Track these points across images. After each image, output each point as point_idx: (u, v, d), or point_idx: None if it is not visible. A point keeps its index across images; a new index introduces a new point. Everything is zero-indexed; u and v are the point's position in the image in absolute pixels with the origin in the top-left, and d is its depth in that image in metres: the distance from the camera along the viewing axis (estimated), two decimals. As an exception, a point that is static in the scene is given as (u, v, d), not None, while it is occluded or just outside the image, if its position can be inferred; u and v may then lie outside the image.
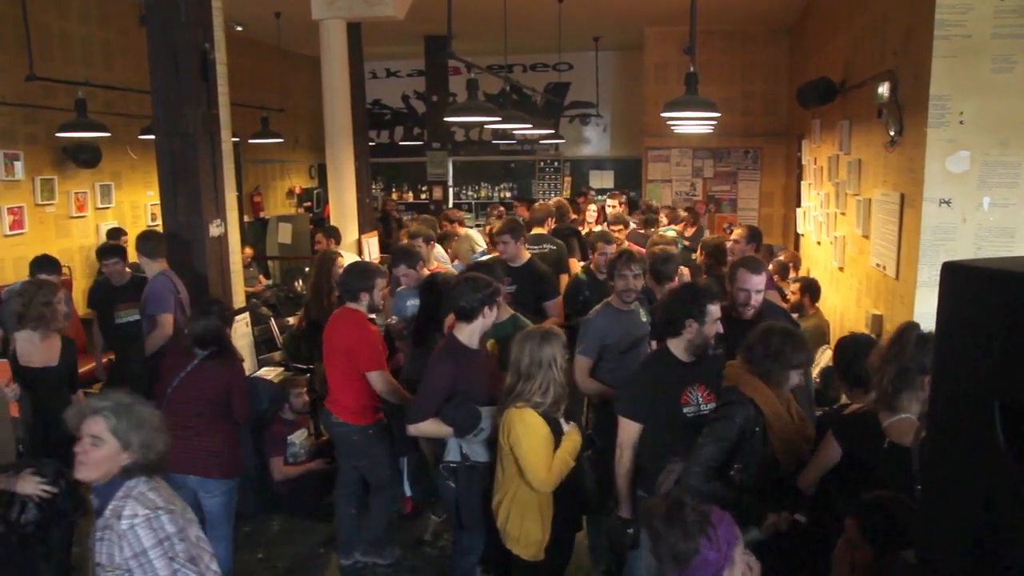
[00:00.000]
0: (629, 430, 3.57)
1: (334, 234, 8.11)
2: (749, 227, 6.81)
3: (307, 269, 11.42)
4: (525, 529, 3.63)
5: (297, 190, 14.60)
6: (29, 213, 8.17)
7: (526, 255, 5.95)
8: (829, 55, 7.89)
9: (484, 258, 6.55)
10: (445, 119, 6.19)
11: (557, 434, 3.60)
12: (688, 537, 2.56)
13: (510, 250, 5.85)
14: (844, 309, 6.81)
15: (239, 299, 6.23)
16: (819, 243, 8.25)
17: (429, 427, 3.87)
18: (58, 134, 7.31)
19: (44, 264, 5.87)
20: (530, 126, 9.27)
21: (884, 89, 5.21)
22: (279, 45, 11.80)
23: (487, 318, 3.93)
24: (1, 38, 7.67)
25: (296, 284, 9.68)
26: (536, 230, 7.19)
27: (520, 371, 3.55)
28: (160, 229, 6.15)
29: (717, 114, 6.00)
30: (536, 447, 3.49)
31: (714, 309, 3.54)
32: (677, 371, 3.56)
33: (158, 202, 10.23)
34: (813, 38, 9.24)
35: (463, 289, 3.90)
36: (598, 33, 12.58)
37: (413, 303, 5.38)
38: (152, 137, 8.30)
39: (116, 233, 8.76)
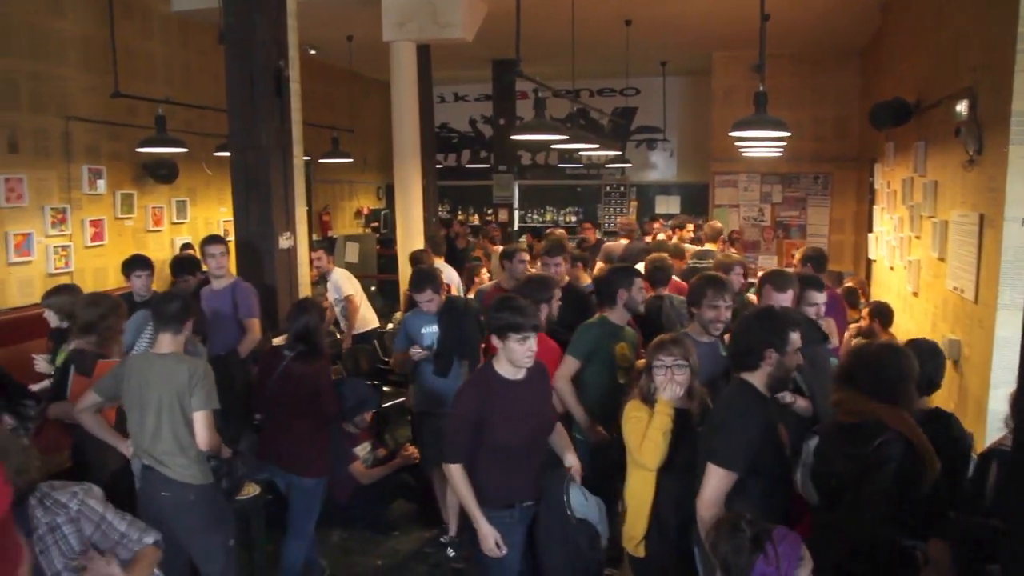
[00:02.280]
0: (724, 483, 3.02)
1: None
2: (810, 248, 6.67)
3: (372, 288, 11.60)
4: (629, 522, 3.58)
5: (365, 210, 14.84)
6: (109, 226, 8.46)
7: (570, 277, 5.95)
8: (903, 75, 7.73)
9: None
10: (512, 137, 6.25)
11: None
12: (740, 552, 2.52)
13: (560, 271, 5.76)
14: (919, 334, 6.58)
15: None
16: (892, 268, 8.04)
17: (458, 481, 3.42)
18: (138, 149, 7.57)
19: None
20: (597, 146, 9.28)
21: (962, 107, 5.06)
22: (350, 68, 12.07)
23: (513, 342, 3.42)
24: (89, 59, 8.01)
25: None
26: (708, 245, 8.04)
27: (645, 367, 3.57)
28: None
29: (787, 133, 5.91)
30: (635, 425, 3.47)
31: (796, 337, 3.20)
32: (765, 410, 3.17)
33: (230, 218, 10.59)
34: (887, 59, 9.07)
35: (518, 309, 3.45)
36: (665, 58, 12.56)
37: (430, 330, 5.10)
38: (226, 155, 8.63)
39: (188, 248, 9.00)
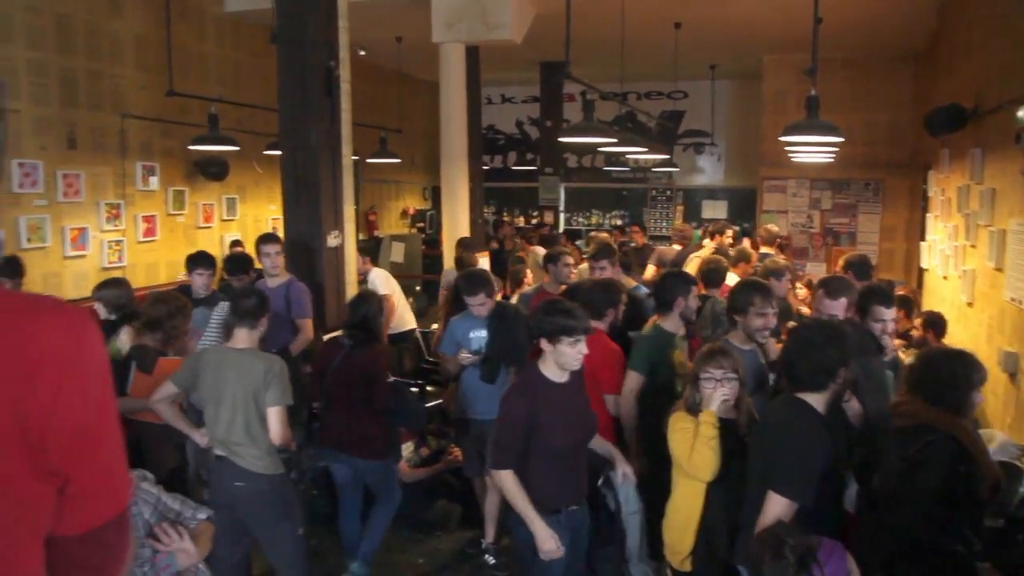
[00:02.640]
0: (787, 512, 2.87)
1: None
2: (854, 254, 6.50)
3: (418, 288, 11.67)
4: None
5: (411, 211, 14.93)
6: (161, 222, 8.62)
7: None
8: (960, 80, 7.56)
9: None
10: (560, 139, 6.22)
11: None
12: (785, 572, 2.47)
13: (607, 276, 5.62)
14: (973, 346, 6.43)
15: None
16: (945, 278, 7.87)
17: (510, 486, 3.38)
18: (191, 147, 7.70)
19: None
20: (645, 150, 9.24)
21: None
22: (399, 69, 12.15)
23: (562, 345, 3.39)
24: (145, 59, 8.17)
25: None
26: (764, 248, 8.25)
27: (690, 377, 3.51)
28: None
29: (839, 139, 5.83)
30: (681, 436, 3.40)
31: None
32: (826, 434, 2.97)
33: (279, 216, 10.71)
34: (943, 63, 8.88)
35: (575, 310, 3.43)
36: (714, 61, 12.45)
37: (478, 334, 4.94)
38: (276, 153, 8.73)
39: (238, 245, 9.13)
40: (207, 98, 8.04)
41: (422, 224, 14.74)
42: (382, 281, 7.41)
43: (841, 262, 6.40)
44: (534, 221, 15.01)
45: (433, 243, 13.80)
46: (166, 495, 2.69)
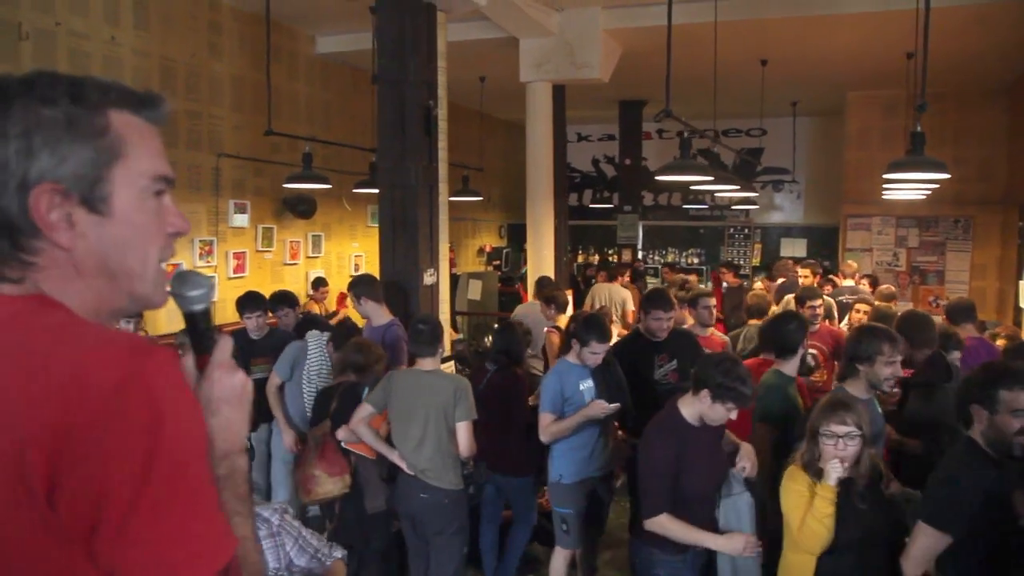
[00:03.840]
0: (936, 544, 2.82)
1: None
2: (956, 298, 6.27)
3: (496, 325, 11.65)
4: None
5: (487, 248, 15.01)
6: (250, 258, 8.79)
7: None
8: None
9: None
10: (657, 177, 6.16)
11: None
12: None
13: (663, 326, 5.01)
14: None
15: (446, 347, 6.38)
16: (1051, 318, 7.58)
17: (672, 526, 3.35)
18: (285, 184, 7.86)
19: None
20: (737, 187, 9.16)
21: None
22: (480, 109, 12.29)
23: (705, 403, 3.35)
24: (240, 100, 8.41)
25: (485, 340, 9.84)
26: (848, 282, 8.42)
27: (807, 430, 3.23)
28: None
29: (946, 176, 5.69)
30: (796, 504, 3.14)
31: (1011, 397, 2.85)
32: (991, 470, 2.87)
33: (361, 253, 10.89)
34: (1043, 99, 8.64)
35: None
36: (797, 97, 12.32)
37: (588, 386, 4.51)
38: (363, 191, 8.87)
39: (320, 282, 9.19)
40: (301, 137, 8.23)
41: (498, 262, 14.79)
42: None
43: (942, 306, 6.16)
44: (612, 259, 14.95)
45: (508, 280, 13.84)
46: (306, 530, 2.70)
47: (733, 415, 3.31)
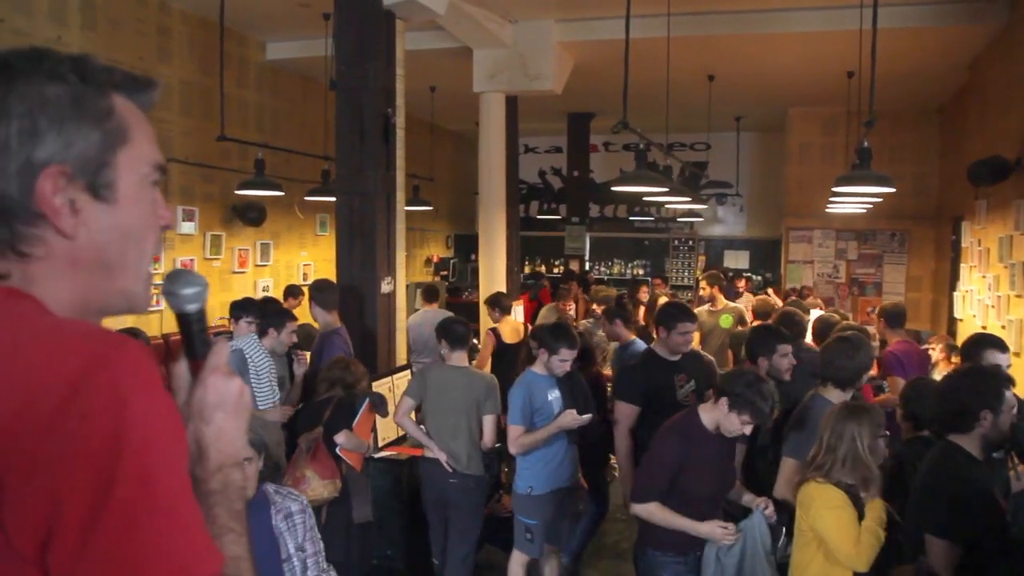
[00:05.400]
0: (951, 554, 2.86)
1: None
2: (890, 303, 6.61)
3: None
4: None
5: (435, 259, 14.99)
6: (198, 266, 8.64)
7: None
8: (998, 132, 7.64)
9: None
10: (613, 188, 6.26)
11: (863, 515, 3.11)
12: None
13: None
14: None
15: (402, 356, 6.37)
16: (984, 328, 7.86)
17: (659, 514, 3.44)
18: (238, 191, 7.78)
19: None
20: (688, 199, 9.32)
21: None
22: (429, 119, 12.29)
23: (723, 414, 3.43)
24: (190, 105, 8.28)
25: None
26: None
27: (823, 443, 3.17)
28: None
29: (892, 189, 5.88)
30: (840, 520, 3.04)
31: (1010, 396, 2.99)
32: (980, 474, 2.95)
33: (310, 262, 10.77)
34: (975, 117, 8.99)
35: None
36: (741, 113, 12.60)
37: (555, 395, 4.52)
38: (314, 199, 8.81)
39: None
40: (252, 143, 8.13)
41: (445, 272, 14.78)
42: None
43: (877, 310, 6.47)
44: (556, 271, 15.05)
45: (456, 291, 13.86)
46: (311, 533, 2.73)
47: (747, 429, 3.38)
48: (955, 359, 6.90)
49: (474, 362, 6.41)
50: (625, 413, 4.60)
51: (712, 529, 3.39)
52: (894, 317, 6.03)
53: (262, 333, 5.17)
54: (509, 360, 6.54)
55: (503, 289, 8.86)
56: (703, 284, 8.82)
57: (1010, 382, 3.07)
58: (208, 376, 1.12)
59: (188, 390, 1.13)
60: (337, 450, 4.41)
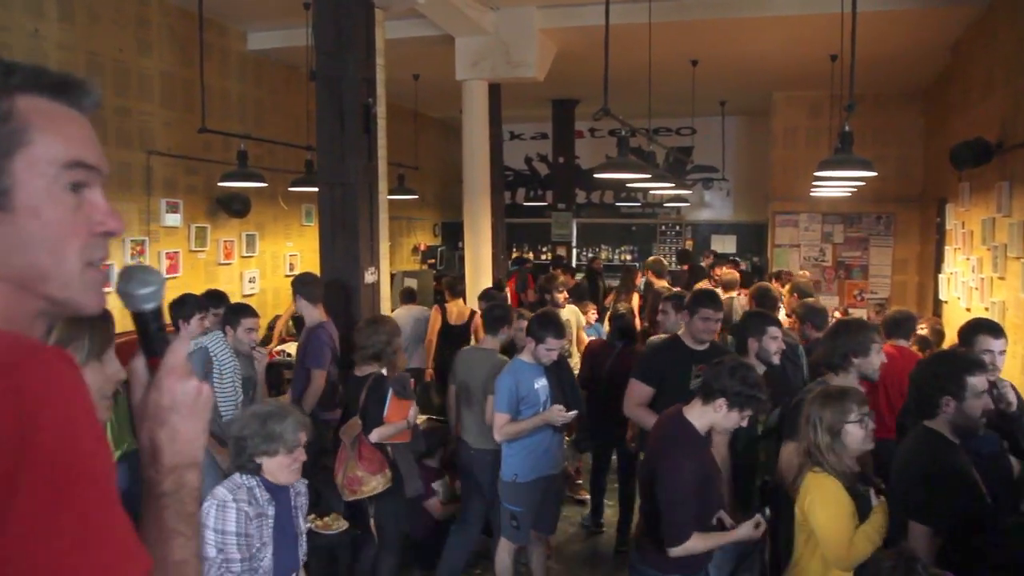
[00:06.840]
0: (930, 542, 2.86)
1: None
2: (897, 311, 6.17)
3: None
4: None
5: (422, 247, 14.97)
6: (184, 258, 8.61)
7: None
8: (981, 115, 7.67)
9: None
10: (596, 175, 6.25)
11: (864, 511, 3.02)
12: None
13: (669, 321, 5.45)
14: (1007, 378, 6.45)
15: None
16: (968, 310, 7.91)
17: (698, 543, 3.22)
18: (221, 183, 7.73)
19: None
20: (672, 185, 9.31)
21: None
22: (413, 107, 12.25)
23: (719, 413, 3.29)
24: (171, 96, 8.23)
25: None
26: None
27: (801, 430, 3.15)
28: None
29: (873, 173, 5.90)
30: (835, 517, 2.97)
31: (976, 381, 2.96)
32: (957, 457, 2.95)
33: (296, 253, 10.75)
34: (957, 99, 9.01)
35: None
36: (725, 97, 12.60)
37: (542, 384, 4.60)
38: (298, 190, 8.78)
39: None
40: (235, 135, 8.09)
41: (433, 260, 14.77)
42: None
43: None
44: (544, 257, 15.07)
45: (442, 278, 13.83)
46: (304, 514, 3.02)
47: (744, 422, 3.28)
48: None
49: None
50: (637, 391, 4.53)
51: (748, 531, 3.25)
52: (893, 326, 5.52)
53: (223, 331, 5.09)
54: (453, 339, 7.54)
55: (488, 276, 8.89)
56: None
57: (978, 367, 3.02)
58: (164, 378, 1.11)
59: (145, 388, 1.12)
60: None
